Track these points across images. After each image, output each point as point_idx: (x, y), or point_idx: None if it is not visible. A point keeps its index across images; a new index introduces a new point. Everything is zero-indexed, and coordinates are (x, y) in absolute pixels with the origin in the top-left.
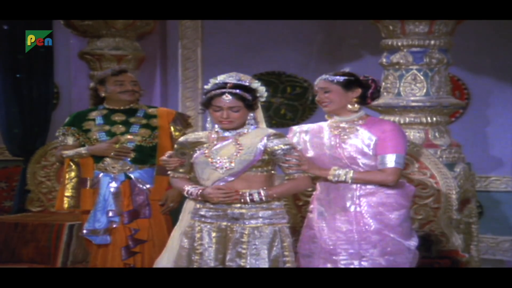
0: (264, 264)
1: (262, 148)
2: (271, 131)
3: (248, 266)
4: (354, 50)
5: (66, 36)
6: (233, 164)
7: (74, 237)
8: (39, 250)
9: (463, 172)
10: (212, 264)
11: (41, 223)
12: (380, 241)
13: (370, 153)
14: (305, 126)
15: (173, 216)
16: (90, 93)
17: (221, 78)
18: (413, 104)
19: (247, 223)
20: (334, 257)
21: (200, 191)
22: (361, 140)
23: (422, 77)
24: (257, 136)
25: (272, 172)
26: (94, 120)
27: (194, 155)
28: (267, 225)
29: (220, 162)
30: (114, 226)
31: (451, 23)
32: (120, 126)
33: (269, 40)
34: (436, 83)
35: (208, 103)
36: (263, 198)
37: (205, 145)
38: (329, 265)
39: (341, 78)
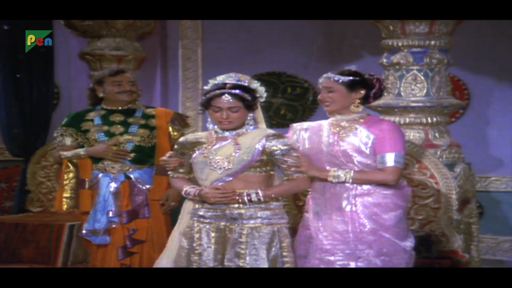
0: (263, 264)
1: (261, 149)
2: (270, 131)
3: (246, 266)
4: (355, 50)
5: (66, 36)
6: (231, 164)
7: (75, 238)
8: (39, 250)
9: (463, 172)
10: (211, 264)
11: (41, 223)
12: (376, 241)
13: (367, 151)
14: (305, 124)
15: (173, 216)
16: (87, 94)
17: (220, 79)
18: (413, 104)
19: (245, 223)
20: (330, 258)
21: (198, 191)
22: (359, 138)
23: (422, 78)
24: (256, 137)
25: (271, 172)
26: (92, 120)
27: (193, 155)
28: (265, 225)
29: (218, 162)
30: (113, 226)
31: (451, 23)
32: (119, 126)
33: (270, 40)
34: (437, 83)
35: (207, 103)
36: (261, 198)
37: (204, 145)
38: (323, 266)
39: (346, 79)
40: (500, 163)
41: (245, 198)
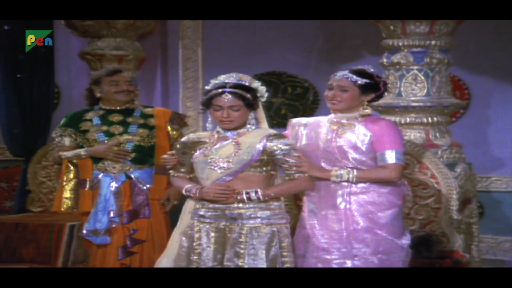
0: (262, 264)
1: (261, 149)
2: (271, 131)
3: (246, 266)
4: (355, 50)
5: (67, 36)
6: (231, 164)
7: (75, 237)
8: (39, 250)
9: (464, 172)
10: (210, 264)
11: (41, 223)
12: (372, 240)
13: (363, 148)
14: (304, 120)
15: (173, 216)
16: (85, 94)
17: (221, 78)
18: (414, 104)
19: (245, 223)
20: (327, 256)
21: (199, 189)
22: (356, 135)
23: (422, 77)
24: (257, 136)
25: (272, 172)
26: (91, 120)
27: (194, 155)
28: (265, 225)
29: (218, 161)
30: (114, 226)
31: (452, 23)
32: (118, 126)
33: (270, 40)
34: (437, 83)
35: (208, 102)
36: (260, 197)
37: (206, 145)
38: (319, 265)
39: (363, 81)
40: (500, 163)
41: (244, 197)
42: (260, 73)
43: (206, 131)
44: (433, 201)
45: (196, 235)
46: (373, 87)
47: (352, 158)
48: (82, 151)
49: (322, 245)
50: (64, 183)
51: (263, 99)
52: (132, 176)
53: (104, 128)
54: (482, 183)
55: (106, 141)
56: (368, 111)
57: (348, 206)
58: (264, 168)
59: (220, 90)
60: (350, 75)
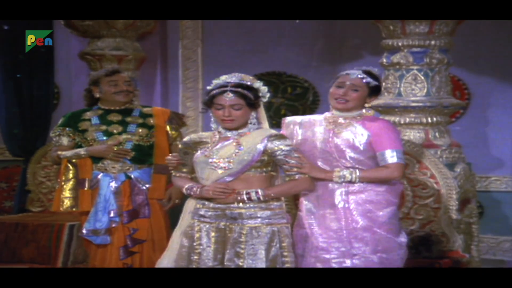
0: (262, 264)
1: (262, 149)
2: (272, 132)
3: (245, 266)
4: (355, 50)
5: (67, 36)
6: (231, 164)
7: (75, 237)
8: (39, 250)
9: (464, 172)
10: (210, 264)
11: (41, 223)
12: (371, 238)
13: (361, 147)
14: (298, 118)
15: (173, 216)
16: (84, 94)
17: (223, 78)
18: (414, 104)
19: (245, 222)
20: (326, 256)
21: (199, 188)
22: (354, 134)
23: (422, 77)
24: (258, 137)
25: (272, 173)
26: (89, 120)
27: (195, 155)
28: (265, 225)
29: (219, 162)
30: (114, 225)
31: (451, 23)
32: (117, 125)
33: (270, 40)
34: (437, 83)
35: (210, 102)
36: (261, 197)
37: (207, 145)
38: (319, 265)
39: (374, 83)
40: (500, 163)
41: (245, 197)
42: (260, 73)
43: (210, 131)
44: (432, 201)
45: (197, 235)
46: (378, 90)
47: (350, 158)
48: (81, 151)
49: (321, 244)
50: (63, 183)
51: (265, 99)
52: (132, 176)
53: (103, 127)
54: (481, 183)
55: (105, 141)
56: (372, 112)
57: (346, 205)
58: (265, 169)
59: (222, 89)
60: (365, 75)
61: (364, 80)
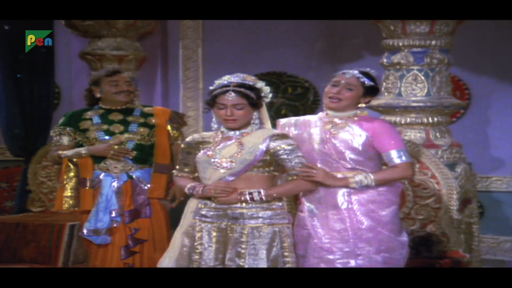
0: (263, 264)
1: (264, 149)
2: (275, 131)
3: (246, 266)
4: (355, 50)
5: (67, 36)
6: (234, 164)
7: (75, 237)
8: (40, 250)
9: (464, 172)
10: (211, 263)
11: (42, 223)
12: (375, 238)
13: (360, 148)
14: (292, 119)
15: (173, 216)
16: (85, 94)
17: (226, 78)
18: (414, 104)
19: (247, 223)
20: (329, 256)
21: (201, 187)
22: (352, 135)
23: (423, 77)
24: (260, 137)
25: (274, 173)
26: (91, 119)
27: (198, 155)
28: (266, 225)
29: (221, 161)
30: (115, 225)
31: (452, 23)
32: (119, 125)
33: (270, 40)
34: (437, 83)
35: (212, 101)
36: (263, 197)
37: (209, 145)
38: (322, 265)
39: (370, 83)
40: (501, 163)
41: (247, 197)
42: (261, 73)
43: (211, 131)
44: (433, 201)
45: (198, 235)
46: (375, 90)
47: (350, 159)
48: (82, 150)
49: (325, 245)
50: (65, 182)
51: (267, 100)
52: (134, 176)
53: (105, 127)
54: (482, 183)
55: (107, 140)
56: (366, 112)
57: (350, 206)
58: (267, 169)
59: (224, 88)
60: (360, 75)
61: (359, 79)
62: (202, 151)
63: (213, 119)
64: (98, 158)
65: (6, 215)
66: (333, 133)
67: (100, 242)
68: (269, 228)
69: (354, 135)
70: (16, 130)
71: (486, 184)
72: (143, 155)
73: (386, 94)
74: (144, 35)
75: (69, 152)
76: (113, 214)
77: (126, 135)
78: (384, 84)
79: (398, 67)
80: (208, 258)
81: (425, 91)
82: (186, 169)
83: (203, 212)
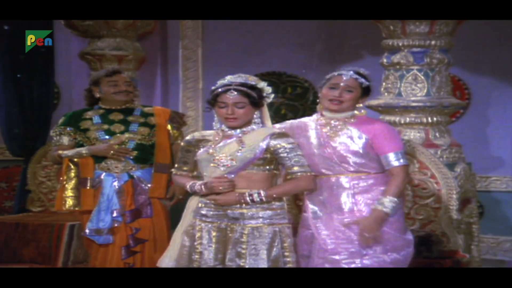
0: (263, 264)
1: (264, 147)
2: (275, 130)
3: (247, 266)
4: (355, 50)
5: (67, 36)
6: (234, 162)
7: (75, 237)
8: (40, 250)
9: (464, 172)
10: (211, 263)
11: (41, 223)
12: (381, 237)
13: (361, 151)
14: (288, 123)
15: (173, 216)
16: (84, 94)
17: (228, 78)
18: (414, 104)
19: (247, 223)
20: (335, 257)
21: (203, 184)
22: (350, 138)
23: (422, 77)
24: (261, 135)
25: (275, 171)
26: (91, 119)
27: (198, 152)
28: (267, 225)
29: (221, 159)
30: (116, 225)
31: (451, 23)
32: (119, 125)
33: (270, 40)
34: (437, 83)
35: (214, 100)
36: (263, 198)
37: (210, 143)
38: (327, 266)
39: (367, 84)
40: (500, 162)
41: (248, 199)
42: (260, 73)
43: (211, 130)
44: (433, 201)
45: (198, 234)
46: (370, 90)
47: (353, 162)
48: (83, 150)
49: (330, 246)
50: (65, 182)
51: (269, 100)
52: (135, 176)
53: (105, 126)
54: (482, 183)
55: (107, 140)
56: (364, 112)
57: (355, 207)
58: (267, 167)
59: (225, 87)
60: (358, 76)
61: (357, 80)
62: (202, 149)
63: (215, 119)
64: (99, 158)
65: (5, 215)
66: (331, 135)
67: (102, 242)
68: (270, 228)
69: (353, 138)
70: (16, 130)
71: (485, 184)
72: (144, 154)
73: (386, 94)
74: (144, 35)
75: (69, 152)
76: (115, 214)
77: (126, 135)
78: (383, 84)
79: (398, 67)
80: (208, 258)
81: (425, 91)
82: (185, 168)
83: (203, 212)
